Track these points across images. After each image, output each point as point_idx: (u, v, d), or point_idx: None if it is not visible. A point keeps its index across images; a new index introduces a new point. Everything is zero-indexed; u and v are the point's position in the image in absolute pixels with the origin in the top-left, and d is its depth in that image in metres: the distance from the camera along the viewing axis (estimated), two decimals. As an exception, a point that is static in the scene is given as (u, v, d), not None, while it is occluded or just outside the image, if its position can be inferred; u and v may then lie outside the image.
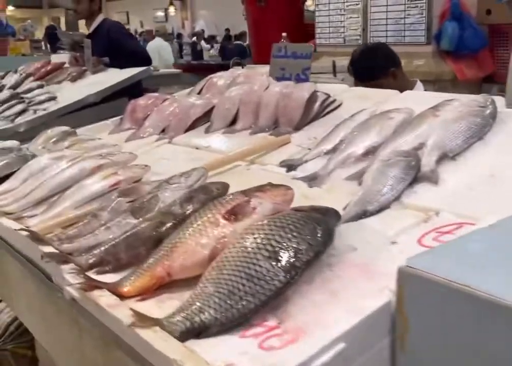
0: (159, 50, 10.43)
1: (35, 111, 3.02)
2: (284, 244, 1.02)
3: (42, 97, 3.09)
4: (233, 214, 1.17)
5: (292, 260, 0.99)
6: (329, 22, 4.42)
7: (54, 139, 2.19)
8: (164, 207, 1.35)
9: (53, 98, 3.11)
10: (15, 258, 1.46)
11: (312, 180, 1.57)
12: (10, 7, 22.61)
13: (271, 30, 4.92)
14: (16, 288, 1.54)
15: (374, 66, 2.83)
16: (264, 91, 2.15)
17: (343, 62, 4.10)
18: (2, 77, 3.35)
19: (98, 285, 1.09)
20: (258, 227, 1.08)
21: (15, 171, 1.86)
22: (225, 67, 6.68)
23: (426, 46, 3.77)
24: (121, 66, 3.84)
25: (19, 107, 2.98)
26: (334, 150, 1.68)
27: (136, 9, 25.20)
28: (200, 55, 12.66)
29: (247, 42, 18.49)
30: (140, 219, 1.34)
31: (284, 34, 4.70)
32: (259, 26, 4.87)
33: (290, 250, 1.01)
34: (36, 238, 1.33)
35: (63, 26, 15.36)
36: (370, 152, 1.59)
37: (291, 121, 1.97)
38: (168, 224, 1.28)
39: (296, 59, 2.31)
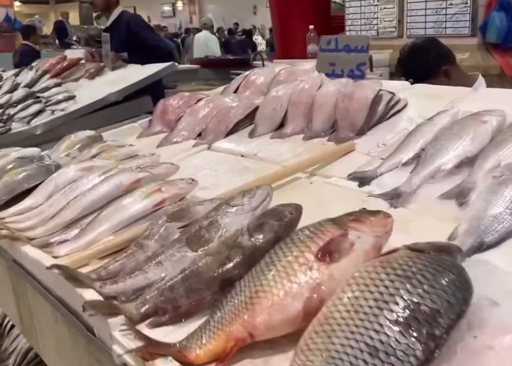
0: (207, 42, 10.66)
1: (53, 112, 2.77)
2: (416, 302, 0.75)
3: (60, 97, 2.83)
4: (328, 253, 0.91)
5: (429, 326, 0.73)
6: (361, 13, 4.15)
7: (79, 145, 1.93)
8: (229, 236, 1.09)
9: (71, 98, 2.85)
10: (43, 296, 1.21)
11: (394, 198, 1.30)
12: (17, 3, 22.36)
13: (297, 22, 4.66)
14: (44, 331, 1.29)
15: (425, 65, 2.54)
16: (317, 90, 1.89)
17: (378, 56, 3.83)
18: (17, 74, 3.09)
19: (161, 352, 0.83)
20: (371, 276, 0.81)
21: (37, 184, 1.60)
22: (244, 62, 6.43)
23: (470, 38, 3.49)
24: (142, 62, 3.58)
25: (36, 107, 2.72)
26: (415, 160, 1.41)
27: (143, 4, 24.92)
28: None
29: (255, 37, 18.14)
30: (199, 252, 1.08)
31: (311, 26, 4.44)
32: (284, 18, 4.58)
33: (425, 311, 0.75)
34: (72, 276, 1.08)
35: (72, 21, 15.12)
36: (465, 163, 1.33)
37: (353, 124, 1.71)
38: (236, 260, 1.03)
39: (349, 53, 2.04)
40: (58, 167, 1.69)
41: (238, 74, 5.26)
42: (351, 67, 2.03)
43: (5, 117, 2.65)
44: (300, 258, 0.91)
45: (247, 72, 2.42)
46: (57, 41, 12.69)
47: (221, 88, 2.55)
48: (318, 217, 1.00)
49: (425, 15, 3.71)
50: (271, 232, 1.07)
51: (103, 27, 4.34)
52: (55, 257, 1.25)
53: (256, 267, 0.94)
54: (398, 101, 1.79)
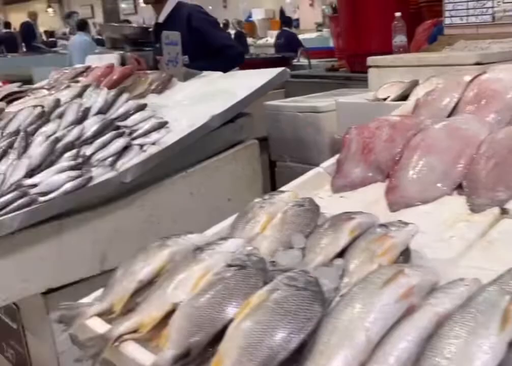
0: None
1: (141, 147, 1.95)
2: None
3: (147, 126, 2.00)
4: None
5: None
6: (468, -6, 3.45)
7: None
8: None
9: (163, 125, 2.03)
10: None
11: None
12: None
13: (374, 9, 3.91)
14: None
15: None
16: None
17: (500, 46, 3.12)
18: (80, 93, 2.20)
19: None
20: None
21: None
22: (286, 61, 5.61)
23: None
24: (205, 66, 2.79)
25: (120, 143, 1.89)
26: None
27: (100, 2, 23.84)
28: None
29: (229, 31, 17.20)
30: None
31: (397, 14, 3.69)
32: (357, 5, 3.82)
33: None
34: None
35: (44, 23, 13.98)
36: None
37: None
38: None
39: None
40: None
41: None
42: None
43: (79, 160, 1.81)
44: None
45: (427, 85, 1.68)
46: (23, 45, 11.58)
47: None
48: None
49: None
50: None
51: (134, 25, 3.49)
52: None
53: None
54: None
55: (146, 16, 23.76)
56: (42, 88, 2.96)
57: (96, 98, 2.08)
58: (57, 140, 1.84)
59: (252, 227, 1.18)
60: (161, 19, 3.07)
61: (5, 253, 1.65)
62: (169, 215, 2.08)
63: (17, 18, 19.87)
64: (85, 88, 2.24)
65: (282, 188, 1.43)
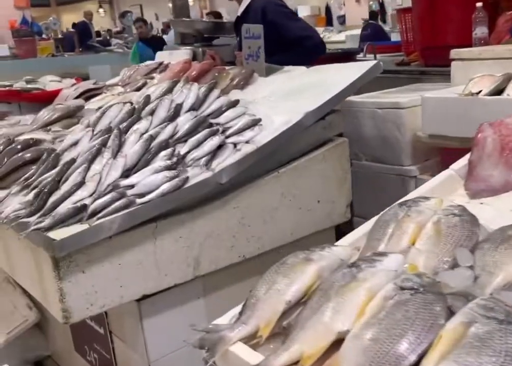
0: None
1: (235, 145, 1.81)
2: None
3: (240, 124, 1.86)
4: None
5: None
6: None
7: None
8: None
9: (256, 123, 1.88)
10: None
11: None
12: (18, 7, 21.39)
13: (451, 0, 3.67)
14: None
15: None
16: None
17: None
18: (170, 89, 2.08)
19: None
20: None
21: None
22: (350, 56, 5.41)
23: None
24: (284, 61, 2.64)
25: (214, 141, 1.75)
26: None
27: (150, 1, 24.02)
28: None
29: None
30: None
31: (478, 4, 3.45)
32: (434, -3, 3.60)
33: None
34: None
35: (95, 23, 14.10)
36: None
37: None
38: None
39: None
40: None
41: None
42: None
43: (175, 160, 1.68)
44: None
45: None
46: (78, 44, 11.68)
47: None
48: None
49: None
50: None
51: (206, 19, 3.35)
52: None
53: None
54: None
55: (192, 13, 23.85)
56: (116, 84, 2.87)
57: (187, 94, 1.94)
58: (152, 138, 1.72)
59: (399, 239, 1.01)
60: (240, 11, 2.92)
61: (103, 258, 1.53)
62: (260, 216, 1.94)
63: (69, 19, 20.26)
64: (174, 83, 2.12)
65: (413, 193, 1.26)
